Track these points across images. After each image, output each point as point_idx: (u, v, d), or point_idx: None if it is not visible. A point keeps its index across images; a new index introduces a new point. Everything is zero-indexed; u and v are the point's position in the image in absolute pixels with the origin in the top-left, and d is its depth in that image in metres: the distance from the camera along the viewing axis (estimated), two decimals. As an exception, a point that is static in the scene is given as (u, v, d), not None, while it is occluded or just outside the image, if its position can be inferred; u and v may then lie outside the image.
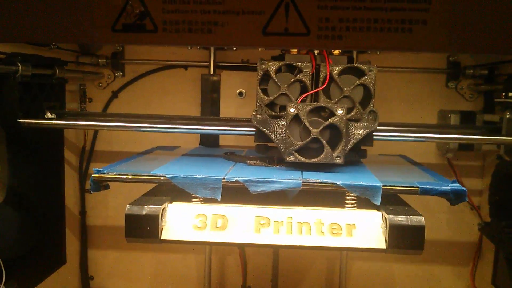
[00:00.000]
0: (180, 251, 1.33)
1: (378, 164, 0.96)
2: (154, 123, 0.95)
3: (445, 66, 1.23)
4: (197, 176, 0.73)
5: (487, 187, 1.23)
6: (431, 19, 0.57)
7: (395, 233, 0.68)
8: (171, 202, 0.75)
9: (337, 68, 0.82)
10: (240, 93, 1.26)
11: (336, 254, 1.28)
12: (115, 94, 1.29)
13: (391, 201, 0.76)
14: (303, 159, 0.78)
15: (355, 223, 0.71)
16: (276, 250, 1.24)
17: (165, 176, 0.73)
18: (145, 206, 0.71)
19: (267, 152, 0.86)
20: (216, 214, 0.72)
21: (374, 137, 0.88)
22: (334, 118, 0.77)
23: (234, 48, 1.20)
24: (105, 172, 0.76)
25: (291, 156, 0.78)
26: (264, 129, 0.82)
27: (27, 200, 1.02)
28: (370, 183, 0.72)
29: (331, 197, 0.76)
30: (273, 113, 0.83)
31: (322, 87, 0.82)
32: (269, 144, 0.85)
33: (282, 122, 0.80)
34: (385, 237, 0.69)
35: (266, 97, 0.82)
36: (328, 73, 0.81)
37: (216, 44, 0.63)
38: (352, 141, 0.81)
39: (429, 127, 0.92)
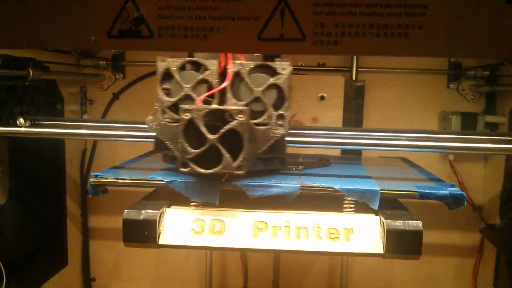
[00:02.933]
0: (181, 253, 1.33)
1: (377, 167, 0.96)
2: (133, 131, 0.88)
3: (446, 67, 1.23)
4: (195, 180, 0.73)
5: (489, 188, 1.22)
6: (428, 23, 0.57)
7: (393, 238, 0.68)
8: (169, 207, 0.75)
9: (247, 66, 0.72)
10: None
11: (337, 257, 1.28)
12: (116, 96, 1.30)
13: (390, 204, 0.75)
14: (200, 170, 0.68)
15: (353, 227, 0.71)
16: (277, 253, 1.24)
17: (163, 181, 0.74)
18: (143, 211, 0.71)
19: (175, 162, 0.76)
20: (214, 219, 0.72)
21: (372, 147, 0.83)
22: (234, 122, 0.68)
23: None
24: (103, 176, 0.76)
25: (186, 166, 0.69)
26: (160, 135, 0.73)
27: (29, 202, 1.02)
28: (368, 188, 0.71)
29: (330, 201, 0.76)
30: (176, 116, 0.73)
31: (222, 86, 0.72)
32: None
33: (179, 128, 0.70)
34: (382, 242, 0.69)
35: (167, 99, 0.73)
36: (231, 70, 0.72)
37: (211, 50, 0.63)
38: (259, 149, 0.72)
39: (433, 133, 0.88)
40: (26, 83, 0.96)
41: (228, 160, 0.68)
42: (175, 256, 1.34)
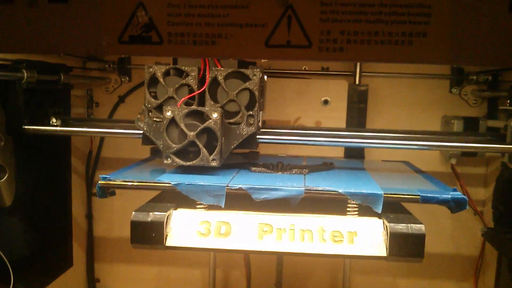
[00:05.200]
0: (185, 254, 1.34)
1: (380, 171, 0.97)
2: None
3: (449, 72, 1.23)
4: (201, 183, 0.74)
5: (490, 192, 1.23)
6: (431, 31, 0.58)
7: (396, 241, 0.69)
8: (176, 209, 0.76)
9: (223, 73, 0.82)
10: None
11: (339, 261, 1.28)
12: (121, 99, 1.31)
13: (393, 208, 0.76)
14: (180, 162, 0.79)
15: (357, 230, 0.72)
16: (280, 255, 1.25)
17: (169, 183, 0.75)
18: (150, 213, 0.72)
19: (160, 155, 0.85)
20: (220, 221, 0.74)
21: (378, 145, 0.90)
22: (209, 121, 0.78)
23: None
24: (111, 178, 0.77)
25: (168, 159, 0.79)
26: (147, 132, 0.84)
27: (34, 204, 1.04)
28: (371, 191, 0.72)
29: (334, 204, 0.77)
30: (161, 116, 0.82)
31: (200, 90, 0.83)
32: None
33: (162, 126, 0.80)
34: (386, 245, 0.70)
35: (154, 100, 0.83)
36: (208, 76, 0.82)
37: (220, 56, 0.65)
38: (232, 144, 0.83)
39: (432, 134, 0.92)
40: (59, 87, 1.05)
41: (205, 153, 0.78)
42: (179, 257, 1.35)
